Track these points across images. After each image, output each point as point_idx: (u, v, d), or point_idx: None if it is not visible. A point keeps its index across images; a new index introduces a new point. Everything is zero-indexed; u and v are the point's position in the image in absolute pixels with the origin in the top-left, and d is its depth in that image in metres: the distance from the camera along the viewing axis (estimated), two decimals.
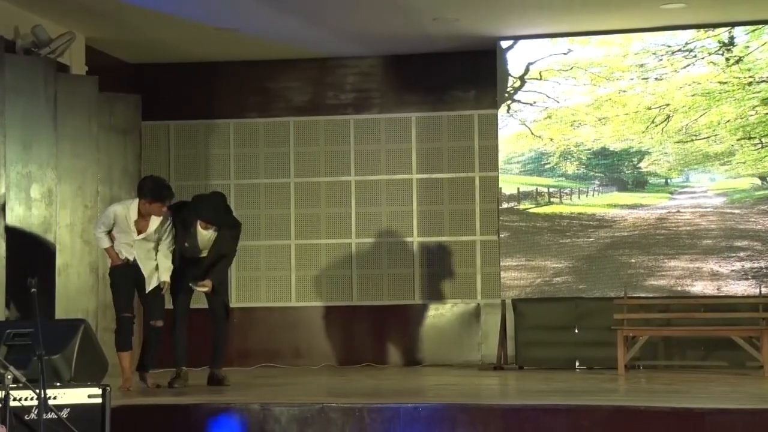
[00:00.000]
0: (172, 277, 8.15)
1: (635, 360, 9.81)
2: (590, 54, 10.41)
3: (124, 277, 8.08)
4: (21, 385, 5.69)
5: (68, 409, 5.91)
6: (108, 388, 6.10)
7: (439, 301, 11.02)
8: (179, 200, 8.39)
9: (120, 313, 8.07)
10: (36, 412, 5.72)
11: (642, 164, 10.40)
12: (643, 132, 10.34)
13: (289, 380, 9.21)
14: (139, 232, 8.05)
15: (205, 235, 8.26)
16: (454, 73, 11.05)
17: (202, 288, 8.21)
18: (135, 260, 8.07)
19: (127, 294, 8.12)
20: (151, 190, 7.97)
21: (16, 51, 8.96)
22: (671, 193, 10.33)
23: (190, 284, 8.19)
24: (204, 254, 8.29)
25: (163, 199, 8.00)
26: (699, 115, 10.21)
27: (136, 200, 8.07)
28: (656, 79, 10.28)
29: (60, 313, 8.92)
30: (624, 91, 10.36)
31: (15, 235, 8.62)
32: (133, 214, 8.03)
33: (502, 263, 10.40)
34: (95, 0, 9.10)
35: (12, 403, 5.69)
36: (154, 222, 8.07)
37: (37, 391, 5.58)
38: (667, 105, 10.28)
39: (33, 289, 5.70)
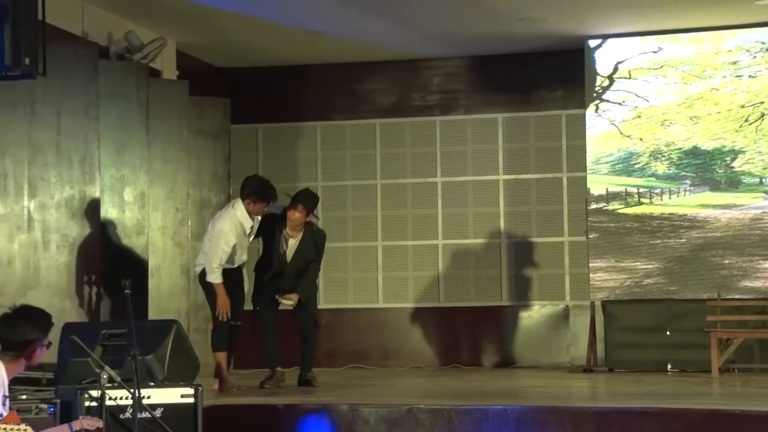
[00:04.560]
0: (258, 284, 8.30)
1: (730, 363, 9.62)
2: (681, 52, 10.23)
3: (238, 283, 8.17)
4: (116, 384, 5.81)
5: (162, 409, 6.03)
6: (200, 387, 6.19)
7: (527, 302, 10.94)
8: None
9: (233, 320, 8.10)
10: (131, 411, 5.83)
11: (735, 163, 10.18)
12: (736, 131, 10.12)
13: (377, 381, 9.24)
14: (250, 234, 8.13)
15: (292, 243, 8.27)
16: (541, 73, 10.96)
17: (288, 301, 8.22)
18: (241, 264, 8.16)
19: (242, 301, 8.23)
20: (256, 191, 7.95)
21: (109, 57, 9.15)
22: (766, 192, 10.11)
23: (277, 296, 8.22)
24: (289, 261, 8.29)
25: (268, 199, 8.00)
26: None
27: (240, 204, 8.00)
28: (750, 76, 10.06)
29: (152, 314, 9.07)
30: (716, 89, 10.16)
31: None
32: (246, 219, 7.99)
33: (590, 264, 10.29)
34: (186, 6, 9.24)
35: (108, 402, 5.81)
36: (256, 222, 8.11)
37: (132, 390, 5.69)
38: (762, 103, 10.05)
39: (127, 291, 5.81)
